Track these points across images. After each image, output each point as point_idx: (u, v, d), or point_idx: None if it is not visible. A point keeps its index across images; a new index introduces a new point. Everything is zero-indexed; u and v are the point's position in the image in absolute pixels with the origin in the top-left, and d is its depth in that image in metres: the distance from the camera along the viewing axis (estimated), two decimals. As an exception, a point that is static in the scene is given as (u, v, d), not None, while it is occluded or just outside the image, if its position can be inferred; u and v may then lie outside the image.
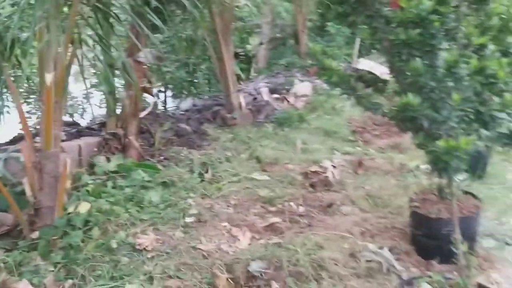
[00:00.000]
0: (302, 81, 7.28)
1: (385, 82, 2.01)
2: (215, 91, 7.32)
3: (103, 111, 6.31)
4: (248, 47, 9.93)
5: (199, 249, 3.27)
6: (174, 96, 7.69)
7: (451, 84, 1.76)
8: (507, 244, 3.41)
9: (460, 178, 3.71)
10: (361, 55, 7.78)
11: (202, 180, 4.37)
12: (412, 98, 1.73)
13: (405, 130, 1.97)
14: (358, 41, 5.78)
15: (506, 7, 1.88)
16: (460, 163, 1.71)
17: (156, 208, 3.74)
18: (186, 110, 6.93)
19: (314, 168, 4.62)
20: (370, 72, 2.22)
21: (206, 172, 4.54)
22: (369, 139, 5.95)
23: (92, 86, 6.25)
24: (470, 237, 3.01)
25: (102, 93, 6.30)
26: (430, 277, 2.27)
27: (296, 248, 3.11)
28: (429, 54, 1.80)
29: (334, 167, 4.72)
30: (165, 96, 7.33)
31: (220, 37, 5.52)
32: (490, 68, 1.69)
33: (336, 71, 2.08)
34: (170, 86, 7.33)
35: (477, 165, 4.41)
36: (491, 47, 1.76)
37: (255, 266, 3.04)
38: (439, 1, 1.75)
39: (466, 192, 3.35)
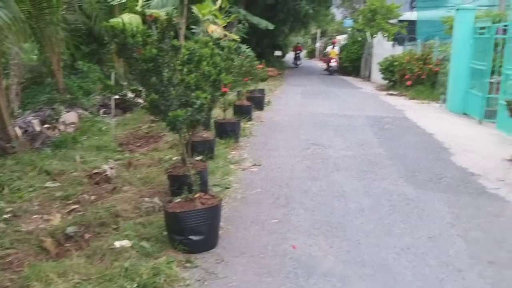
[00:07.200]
0: (68, 111, 8.38)
1: (140, 91, 3.69)
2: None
3: None
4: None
5: (23, 230, 4.14)
6: None
7: (171, 87, 3.64)
8: (226, 188, 5.56)
9: (198, 158, 5.86)
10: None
11: (2, 194, 5.00)
12: (154, 96, 3.50)
13: (154, 114, 3.70)
14: (113, 75, 7.36)
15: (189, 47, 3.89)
16: (181, 123, 3.52)
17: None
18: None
19: (96, 170, 5.87)
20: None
21: (3, 189, 5.11)
22: (133, 149, 7.28)
23: None
24: (204, 183, 4.91)
25: None
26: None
27: (98, 210, 4.42)
28: (159, 74, 3.60)
29: (111, 168, 6.20)
30: None
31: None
32: (186, 80, 3.62)
33: (114, 86, 3.70)
34: None
35: (208, 150, 6.40)
36: (185, 69, 3.69)
37: (70, 229, 4.14)
38: (158, 50, 3.59)
39: (198, 160, 5.43)
